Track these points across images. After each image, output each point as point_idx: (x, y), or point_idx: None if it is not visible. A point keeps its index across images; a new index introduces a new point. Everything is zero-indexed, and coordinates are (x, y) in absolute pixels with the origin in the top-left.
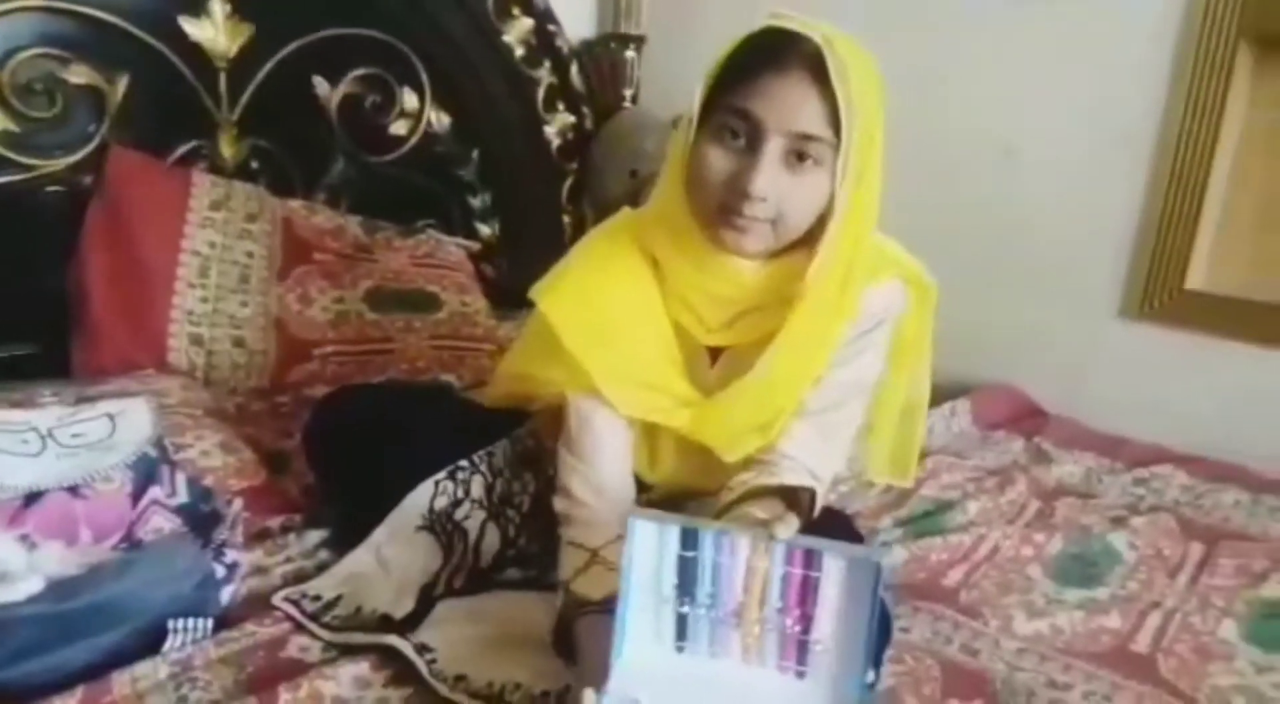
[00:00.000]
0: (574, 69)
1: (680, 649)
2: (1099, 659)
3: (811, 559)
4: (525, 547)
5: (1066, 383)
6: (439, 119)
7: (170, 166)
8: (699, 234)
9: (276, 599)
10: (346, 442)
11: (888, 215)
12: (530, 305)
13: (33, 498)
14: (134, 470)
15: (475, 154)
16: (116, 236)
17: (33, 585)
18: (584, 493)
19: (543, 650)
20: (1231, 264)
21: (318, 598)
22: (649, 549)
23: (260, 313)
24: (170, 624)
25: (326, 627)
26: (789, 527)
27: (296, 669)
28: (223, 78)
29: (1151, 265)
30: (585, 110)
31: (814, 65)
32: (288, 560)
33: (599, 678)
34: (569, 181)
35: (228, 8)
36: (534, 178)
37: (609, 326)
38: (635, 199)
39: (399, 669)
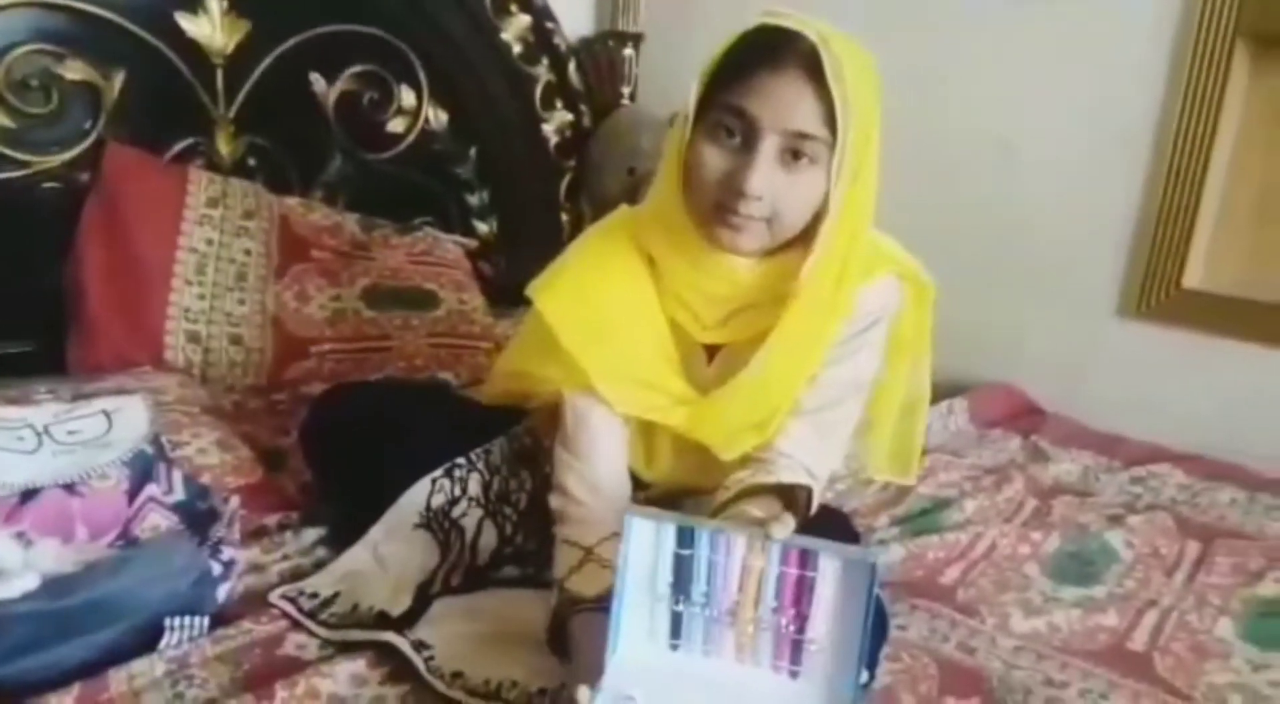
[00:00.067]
0: (572, 67)
1: (675, 647)
2: (1096, 657)
3: (807, 559)
4: (522, 544)
5: (1064, 381)
6: (436, 116)
7: (167, 163)
8: (695, 232)
9: (273, 597)
10: (344, 439)
11: (886, 214)
12: (527, 303)
13: (29, 495)
14: (130, 468)
15: (473, 152)
16: (113, 233)
17: (28, 583)
18: (580, 490)
19: (539, 648)
20: (1229, 261)
21: (315, 595)
22: (645, 547)
23: (257, 310)
24: (167, 622)
25: (323, 624)
26: (785, 526)
27: (293, 667)
28: (219, 74)
29: (1149, 264)
30: (583, 108)
31: (809, 63)
32: (285, 558)
33: (593, 675)
34: (567, 179)
35: (224, 4)
36: (532, 175)
37: (605, 324)
38: (633, 197)
39: (396, 666)
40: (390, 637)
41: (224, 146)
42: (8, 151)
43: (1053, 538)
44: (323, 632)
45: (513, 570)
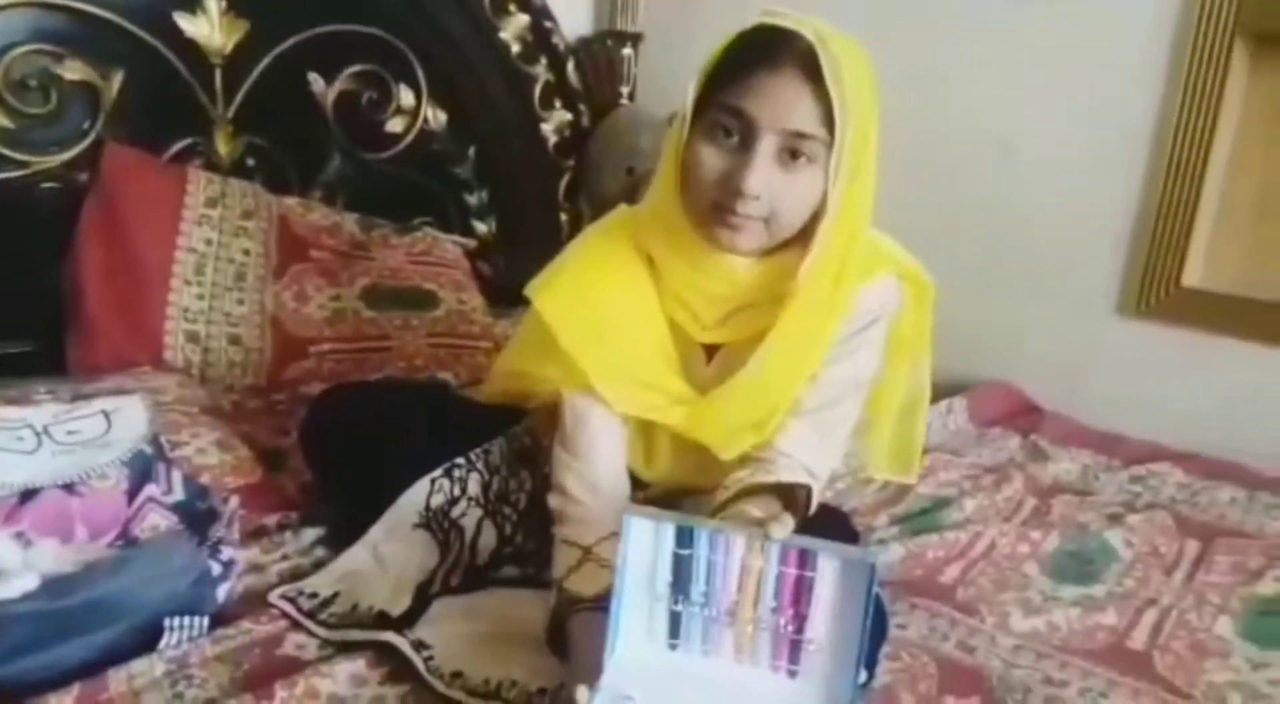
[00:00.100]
0: (570, 66)
1: (673, 647)
2: (1095, 656)
3: (806, 559)
4: (522, 544)
5: (1063, 380)
6: (435, 116)
7: (166, 163)
8: (693, 232)
9: (273, 597)
10: (343, 439)
11: (886, 214)
12: (526, 303)
13: (28, 495)
14: (130, 468)
15: (472, 151)
16: (112, 233)
17: (28, 583)
18: (578, 490)
19: (539, 648)
20: (1228, 260)
21: (314, 595)
22: (644, 547)
23: (256, 310)
24: (166, 622)
25: (323, 624)
26: (784, 526)
27: (293, 667)
28: (218, 74)
29: (1148, 262)
30: (582, 107)
31: (807, 63)
32: (284, 558)
33: (592, 675)
34: (566, 179)
35: (223, 4)
36: (531, 175)
37: (604, 324)
38: (632, 196)
39: (395, 666)
40: (390, 636)
41: (223, 146)
42: (6, 152)
43: (1052, 537)
44: (322, 632)
45: (512, 570)
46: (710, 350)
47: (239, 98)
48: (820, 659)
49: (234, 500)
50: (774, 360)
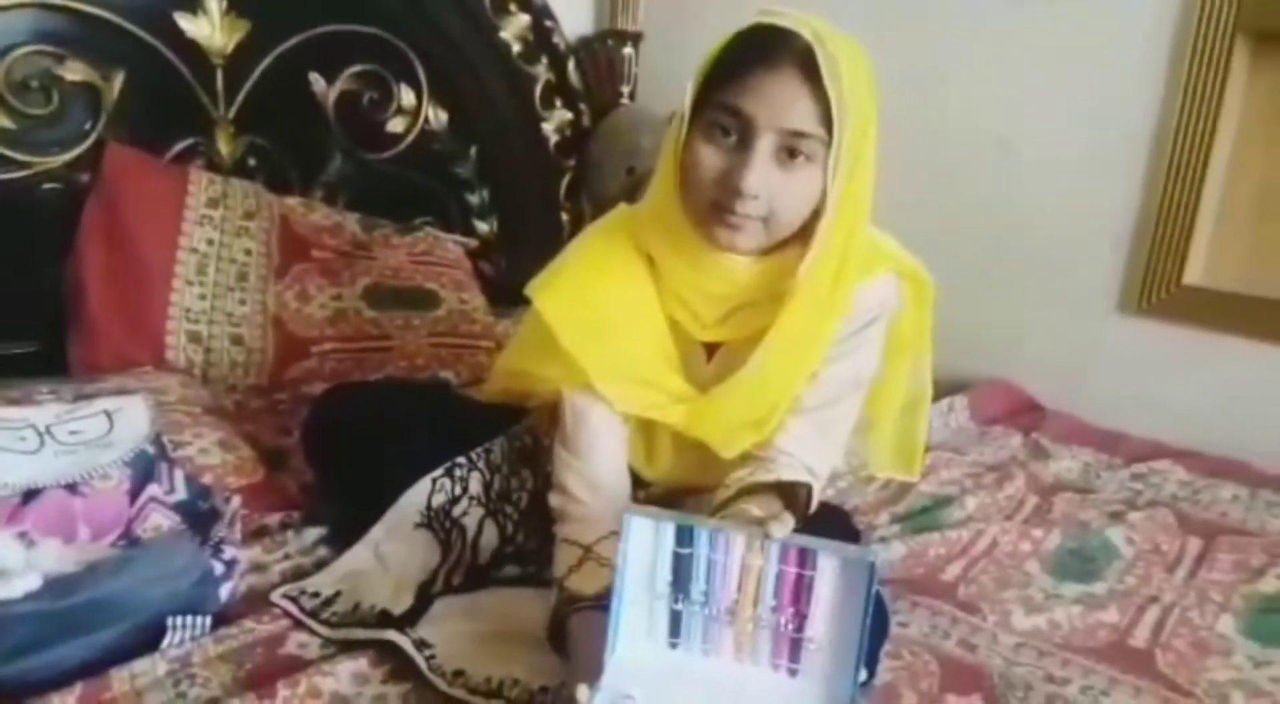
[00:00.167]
0: (571, 65)
1: (674, 646)
2: (1097, 654)
3: (806, 558)
4: (523, 543)
5: (1065, 378)
6: (436, 116)
7: (167, 164)
8: (692, 231)
9: (275, 596)
10: (345, 439)
11: (887, 213)
12: (527, 302)
13: (31, 495)
14: (132, 468)
15: (473, 151)
16: (114, 234)
17: (30, 583)
18: (579, 489)
19: (540, 647)
20: (1229, 258)
21: (316, 595)
22: (644, 546)
23: (258, 310)
24: (169, 621)
25: (325, 623)
26: (784, 525)
27: (295, 665)
28: (219, 74)
29: (1149, 260)
30: (583, 107)
31: (805, 62)
32: (286, 557)
33: (593, 674)
34: (567, 178)
35: (224, 4)
36: (532, 175)
37: (604, 323)
38: (633, 196)
39: (397, 665)
40: (392, 635)
41: (224, 147)
42: (8, 152)
43: (1054, 535)
44: (324, 631)
45: (514, 569)
46: (710, 349)
47: (240, 98)
48: (820, 658)
49: (236, 500)
50: (774, 359)
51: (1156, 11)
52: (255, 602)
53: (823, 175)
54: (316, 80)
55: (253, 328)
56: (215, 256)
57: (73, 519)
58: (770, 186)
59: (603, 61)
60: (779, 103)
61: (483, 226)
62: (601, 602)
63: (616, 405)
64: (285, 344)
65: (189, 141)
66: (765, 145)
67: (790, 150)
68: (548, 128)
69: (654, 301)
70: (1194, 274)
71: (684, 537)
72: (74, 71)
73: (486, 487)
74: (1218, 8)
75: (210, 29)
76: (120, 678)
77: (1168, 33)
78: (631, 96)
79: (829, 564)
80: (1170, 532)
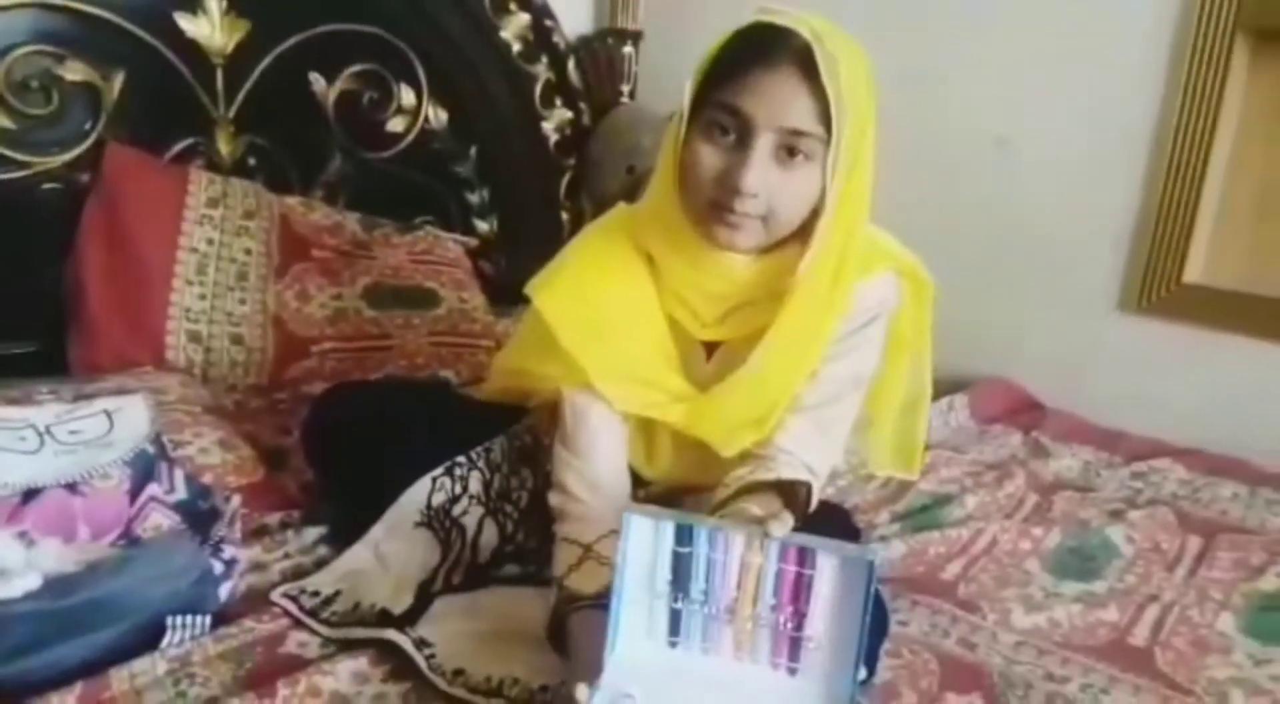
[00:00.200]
0: (571, 65)
1: (673, 645)
2: (1097, 652)
3: (805, 556)
4: (523, 542)
5: (1065, 377)
6: (436, 115)
7: (167, 164)
8: (692, 230)
9: (275, 595)
10: (345, 438)
11: (887, 212)
12: (527, 301)
13: (30, 495)
14: (132, 467)
15: (473, 150)
16: (114, 234)
17: (30, 582)
18: (579, 488)
19: (540, 645)
20: (1229, 256)
21: (316, 594)
22: (643, 544)
23: (258, 310)
24: (169, 620)
25: (325, 622)
26: (783, 524)
27: (295, 665)
28: (219, 74)
29: (1149, 259)
30: (583, 106)
31: (803, 60)
32: (286, 557)
33: (592, 673)
34: (567, 177)
35: (224, 4)
36: (532, 174)
37: (604, 322)
38: (633, 195)
39: (397, 664)
40: (392, 635)
41: (224, 146)
42: (8, 152)
43: (1054, 533)
44: (324, 630)
45: (514, 568)
46: (710, 348)
47: (240, 98)
48: (820, 656)
49: (236, 499)
50: (773, 357)
51: (1156, 11)
52: (255, 601)
53: (822, 174)
54: (316, 80)
55: (253, 327)
56: (215, 256)
57: (72, 519)
58: (769, 185)
59: (603, 60)
60: (778, 101)
61: (483, 226)
62: (601, 600)
63: (616, 404)
64: (285, 343)
65: (189, 141)
66: (764, 144)
67: (789, 149)
68: (548, 127)
69: (653, 300)
70: (1194, 273)
71: (683, 535)
72: (74, 71)
73: (486, 486)
74: (1218, 6)
75: (210, 29)
76: (120, 677)
77: (1168, 32)
78: (631, 95)
79: (828, 563)
80: (1170, 530)
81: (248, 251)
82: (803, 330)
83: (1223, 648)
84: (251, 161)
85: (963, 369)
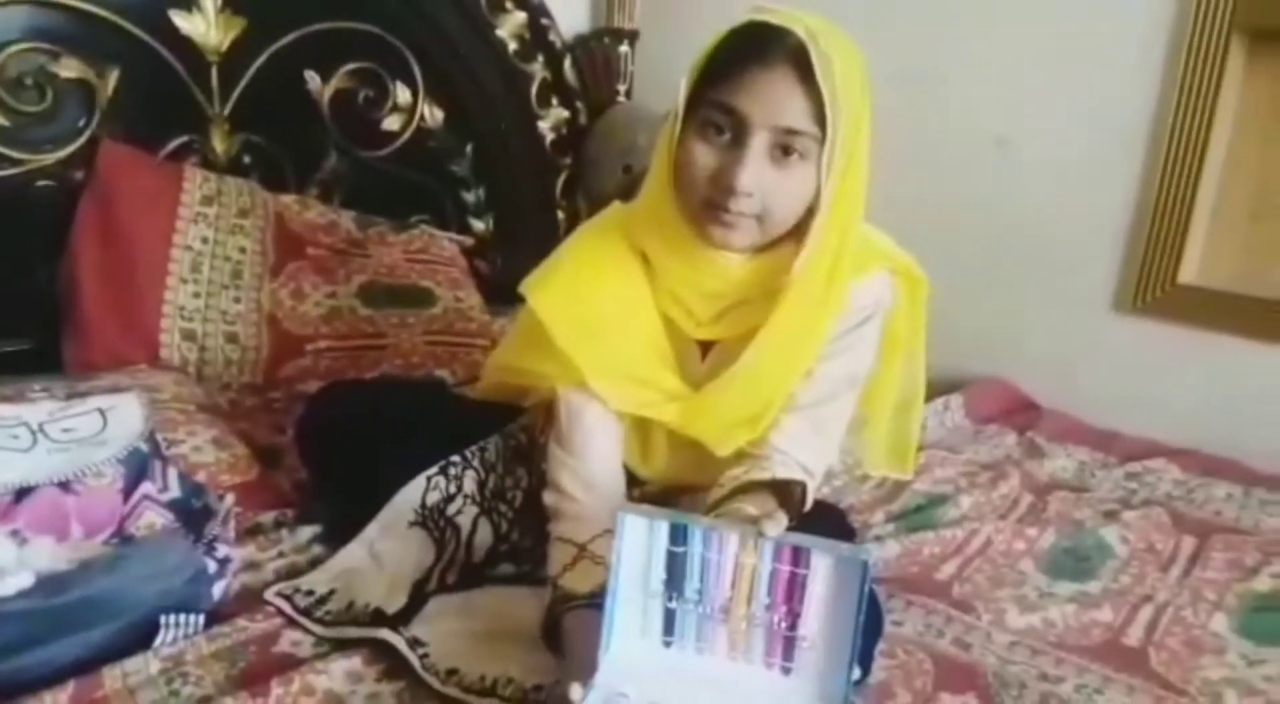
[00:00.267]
0: (567, 63)
1: (667, 644)
2: (1091, 653)
3: (800, 556)
4: (518, 542)
5: (1059, 377)
6: (432, 114)
7: (161, 161)
8: (686, 229)
9: (269, 594)
10: (339, 437)
11: (884, 211)
12: (522, 300)
13: (23, 493)
14: (125, 466)
15: (469, 149)
16: (108, 231)
17: (23, 581)
18: (573, 488)
19: (535, 645)
20: (1224, 256)
21: (310, 593)
22: (638, 544)
23: (253, 308)
24: (162, 619)
25: (319, 622)
26: (778, 524)
27: (289, 664)
28: (214, 72)
29: (1145, 259)
30: (579, 105)
31: (798, 59)
32: (280, 555)
33: (587, 672)
34: (563, 176)
35: (219, 1)
36: (528, 173)
37: (599, 321)
38: (629, 194)
39: (391, 664)
40: (385, 634)
41: (219, 144)
42: (2, 150)
43: (1048, 533)
44: (318, 629)
45: (508, 568)
46: (705, 347)
47: (235, 95)
48: (814, 656)
49: (230, 498)
50: (767, 355)
51: (1153, 11)
52: (249, 600)
53: (816, 173)
54: (312, 78)
55: (247, 326)
56: (210, 254)
57: (65, 517)
58: (764, 184)
59: (599, 59)
60: (773, 100)
61: (478, 224)
62: (596, 600)
63: (611, 403)
64: (280, 342)
65: (184, 139)
66: (759, 143)
67: (784, 148)
68: (544, 126)
69: (648, 299)
70: (1189, 273)
71: (678, 535)
72: (68, 68)
73: (481, 485)
74: (1213, 6)
75: (205, 26)
76: (113, 676)
77: (1164, 32)
78: (628, 94)
79: (822, 562)
80: (1164, 530)
81: (242, 250)
82: (797, 329)
83: (1216, 648)
84: (246, 159)
85: (958, 369)
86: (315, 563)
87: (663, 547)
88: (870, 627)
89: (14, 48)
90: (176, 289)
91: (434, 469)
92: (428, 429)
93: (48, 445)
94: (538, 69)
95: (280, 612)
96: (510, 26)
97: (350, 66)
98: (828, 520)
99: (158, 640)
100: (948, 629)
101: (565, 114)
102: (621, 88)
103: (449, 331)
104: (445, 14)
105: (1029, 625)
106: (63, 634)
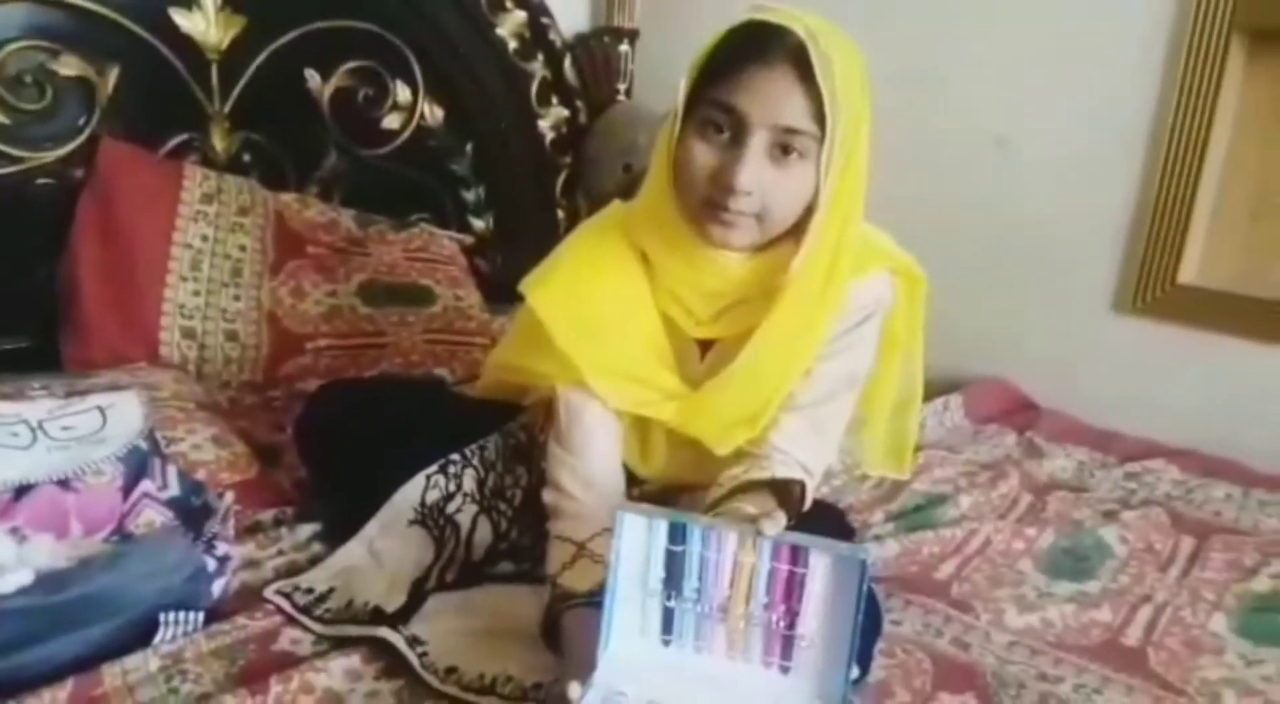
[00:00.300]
0: (567, 62)
1: (666, 643)
2: (1089, 652)
3: (798, 555)
4: (517, 540)
5: (1059, 377)
6: (432, 112)
7: (161, 159)
8: (686, 228)
9: (268, 592)
10: (338, 435)
11: (884, 211)
12: (521, 299)
13: (23, 491)
14: (125, 463)
15: (469, 148)
16: (108, 229)
17: (22, 578)
18: (573, 486)
19: (534, 643)
20: (1224, 257)
21: (309, 591)
22: (637, 543)
23: (252, 306)
24: (161, 617)
25: (318, 620)
26: (776, 523)
27: (288, 662)
28: (214, 70)
29: (1144, 259)
30: (579, 104)
31: (798, 58)
32: (279, 554)
33: (585, 671)
34: (563, 175)
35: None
36: (528, 171)
37: (598, 320)
38: (629, 193)
39: (390, 662)
40: (384, 632)
41: (219, 142)
42: (2, 147)
43: (1047, 533)
44: (317, 627)
45: (508, 566)
46: (704, 347)
47: (235, 94)
48: (812, 655)
49: (229, 496)
50: (765, 353)
51: (1153, 11)
52: (248, 598)
53: (816, 172)
54: (312, 76)
55: (247, 324)
56: (210, 252)
57: (65, 514)
58: (763, 183)
59: (599, 58)
60: (772, 99)
61: (478, 223)
62: (594, 599)
63: (610, 402)
64: (279, 340)
65: (184, 137)
66: (758, 142)
67: (783, 147)
68: (544, 124)
69: (648, 298)
70: (1189, 273)
71: (677, 534)
72: (68, 66)
73: (481, 483)
74: (1213, 6)
75: (205, 24)
76: (112, 673)
77: (1164, 32)
78: (628, 93)
79: (821, 562)
80: (1163, 531)
81: (242, 248)
82: (795, 327)
83: (1215, 648)
84: (246, 158)
85: (958, 369)
86: (314, 561)
87: (661, 545)
88: (869, 626)
89: (14, 45)
90: (176, 287)
91: (433, 467)
92: (427, 427)
93: (47, 443)
94: (538, 68)
95: (279, 610)
96: (510, 25)
97: (350, 65)
98: (827, 520)
99: (157, 638)
100: (946, 629)
101: (565, 113)
102: (621, 87)
103: (449, 330)
104: (445, 13)
105: (1028, 625)
106: (62, 631)
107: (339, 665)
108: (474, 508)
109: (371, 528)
